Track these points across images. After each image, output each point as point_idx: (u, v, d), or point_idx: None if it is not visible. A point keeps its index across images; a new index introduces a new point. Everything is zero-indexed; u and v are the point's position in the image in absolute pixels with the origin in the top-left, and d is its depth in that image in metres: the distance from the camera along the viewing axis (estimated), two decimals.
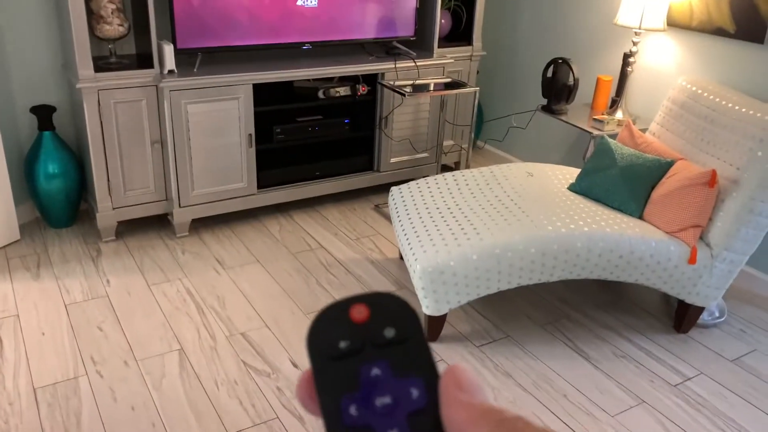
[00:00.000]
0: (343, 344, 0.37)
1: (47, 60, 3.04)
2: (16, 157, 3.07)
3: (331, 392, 0.37)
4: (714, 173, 2.40)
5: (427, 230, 2.47)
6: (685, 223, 2.46)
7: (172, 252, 3.01)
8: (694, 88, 2.77)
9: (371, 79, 3.48)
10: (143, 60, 2.99)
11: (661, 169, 2.63)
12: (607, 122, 3.06)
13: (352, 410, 0.36)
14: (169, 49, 2.88)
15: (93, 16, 2.85)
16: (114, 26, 2.87)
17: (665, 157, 2.70)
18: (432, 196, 2.73)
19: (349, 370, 0.37)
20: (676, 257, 2.44)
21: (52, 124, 3.01)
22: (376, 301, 0.39)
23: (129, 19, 3.02)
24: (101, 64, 2.88)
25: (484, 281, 2.34)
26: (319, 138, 3.44)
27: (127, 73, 2.83)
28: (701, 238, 2.52)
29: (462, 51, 3.75)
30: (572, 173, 2.95)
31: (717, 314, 2.72)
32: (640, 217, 2.61)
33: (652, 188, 2.63)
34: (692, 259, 2.44)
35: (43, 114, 2.97)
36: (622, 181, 2.64)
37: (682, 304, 2.60)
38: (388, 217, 3.47)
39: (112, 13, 2.84)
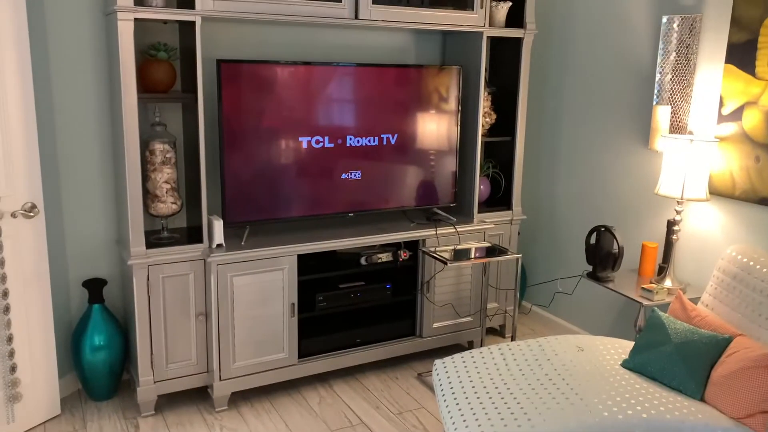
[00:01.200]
0: None
1: (101, 235, 3.17)
2: (65, 329, 3.12)
3: None
4: None
5: (474, 414, 2.35)
6: (752, 408, 2.30)
7: (210, 428, 2.92)
8: (745, 260, 2.70)
9: (413, 245, 3.52)
10: (193, 233, 3.10)
11: (719, 346, 2.51)
12: (657, 292, 2.98)
13: None
14: (218, 225, 2.98)
15: (148, 195, 3.00)
16: (168, 204, 3.01)
17: (722, 332, 2.58)
18: (478, 373, 2.63)
19: None
20: None
21: (102, 297, 3.08)
22: None
23: (182, 197, 3.17)
24: (153, 240, 2.99)
25: None
26: (361, 304, 3.43)
27: (177, 248, 2.92)
28: None
29: (502, 215, 3.79)
30: (624, 347, 2.83)
31: None
32: (701, 399, 2.45)
33: (711, 367, 2.49)
34: None
35: (95, 288, 3.05)
36: (679, 359, 2.51)
37: None
38: (431, 387, 3.35)
39: (167, 192, 2.99)
